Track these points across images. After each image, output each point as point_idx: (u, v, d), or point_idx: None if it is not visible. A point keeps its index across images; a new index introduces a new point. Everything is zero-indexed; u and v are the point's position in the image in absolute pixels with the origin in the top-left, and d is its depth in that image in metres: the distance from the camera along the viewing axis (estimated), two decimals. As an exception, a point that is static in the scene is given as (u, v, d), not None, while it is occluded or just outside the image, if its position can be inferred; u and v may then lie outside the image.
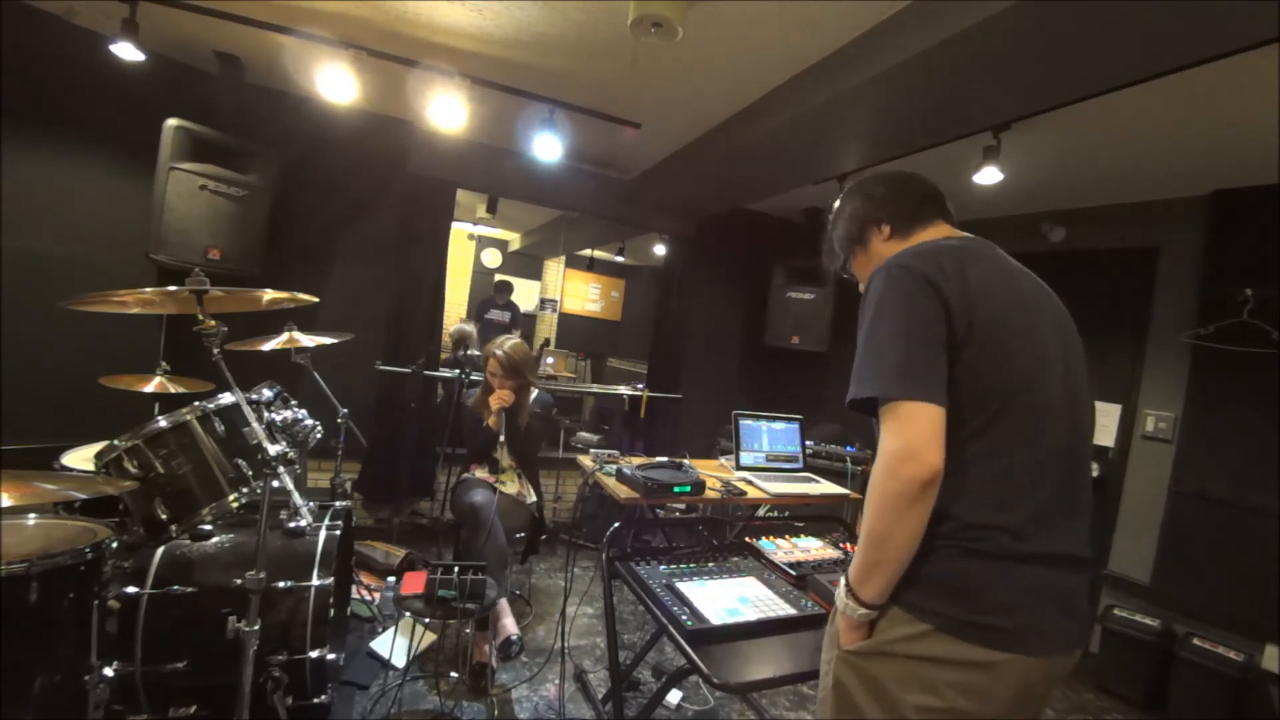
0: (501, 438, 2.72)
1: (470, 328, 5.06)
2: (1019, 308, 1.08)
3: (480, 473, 2.87)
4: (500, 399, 2.72)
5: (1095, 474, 3.17)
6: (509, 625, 2.53)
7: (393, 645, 2.52)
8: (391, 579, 3.15)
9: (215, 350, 1.55)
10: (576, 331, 7.91)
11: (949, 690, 0.98)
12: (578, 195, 4.23)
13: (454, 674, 2.43)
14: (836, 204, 1.33)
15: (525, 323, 7.32)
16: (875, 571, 1.01)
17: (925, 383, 0.97)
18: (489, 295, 6.98)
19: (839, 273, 1.35)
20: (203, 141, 2.87)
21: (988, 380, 1.01)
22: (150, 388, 2.32)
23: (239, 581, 1.57)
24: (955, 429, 1.00)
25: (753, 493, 2.27)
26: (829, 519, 2.50)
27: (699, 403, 4.60)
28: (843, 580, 1.08)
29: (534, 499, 2.89)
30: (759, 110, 2.76)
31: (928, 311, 1.01)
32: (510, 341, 2.83)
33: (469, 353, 4.38)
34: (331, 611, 1.93)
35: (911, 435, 0.95)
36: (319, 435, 2.17)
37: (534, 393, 2.94)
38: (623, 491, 2.08)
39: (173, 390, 2.34)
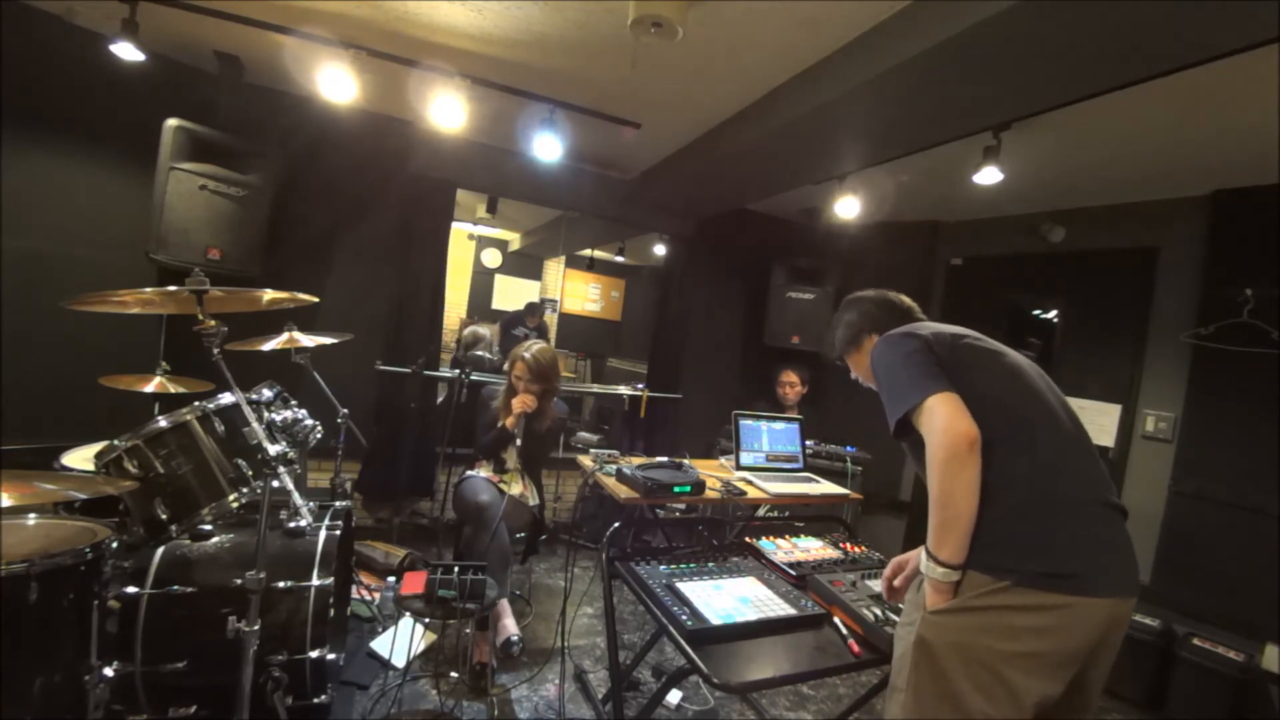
0: (518, 440, 2.71)
1: (485, 331, 5.05)
2: (988, 343, 1.39)
3: (485, 471, 2.87)
4: (524, 403, 2.69)
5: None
6: (509, 625, 2.54)
7: (393, 645, 2.52)
8: (391, 579, 3.15)
9: (215, 350, 1.55)
10: (576, 331, 7.90)
11: (1027, 634, 1.13)
12: (578, 195, 4.23)
13: (454, 674, 2.43)
14: (839, 313, 1.72)
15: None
16: (947, 529, 1.18)
17: (934, 380, 1.26)
18: (517, 312, 6.58)
19: (834, 361, 1.73)
20: (203, 141, 2.87)
21: (983, 386, 1.27)
22: (150, 388, 2.33)
23: (239, 581, 1.58)
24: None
25: (753, 493, 2.28)
26: (829, 519, 2.50)
27: (699, 403, 4.60)
28: (924, 551, 1.24)
29: (536, 501, 2.89)
30: (759, 110, 2.76)
31: (915, 348, 1.34)
32: (537, 345, 2.81)
33: (474, 353, 4.39)
34: (331, 611, 1.93)
35: (945, 415, 1.20)
36: (319, 435, 2.17)
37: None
38: (623, 491, 2.09)
39: (173, 390, 2.34)
